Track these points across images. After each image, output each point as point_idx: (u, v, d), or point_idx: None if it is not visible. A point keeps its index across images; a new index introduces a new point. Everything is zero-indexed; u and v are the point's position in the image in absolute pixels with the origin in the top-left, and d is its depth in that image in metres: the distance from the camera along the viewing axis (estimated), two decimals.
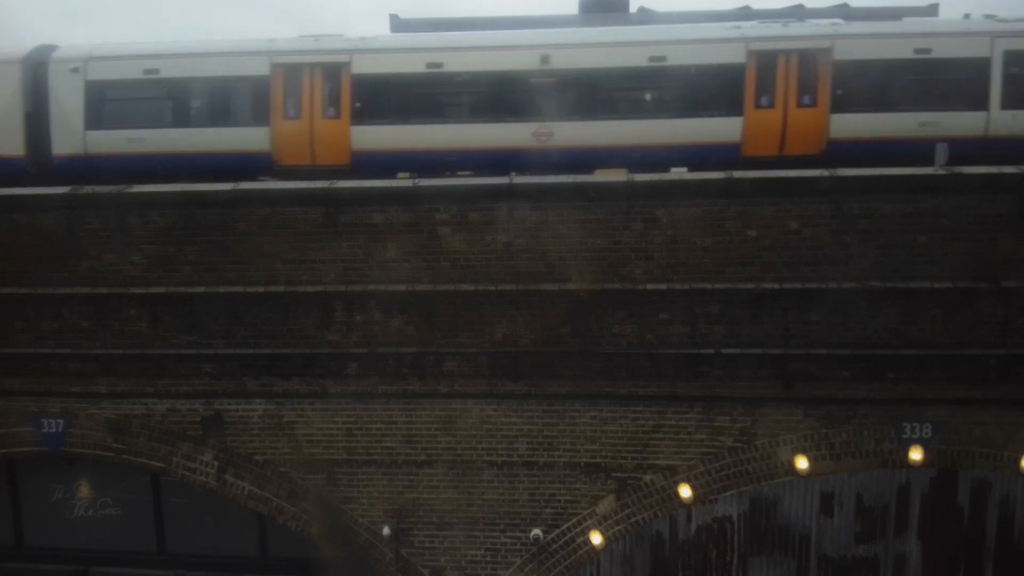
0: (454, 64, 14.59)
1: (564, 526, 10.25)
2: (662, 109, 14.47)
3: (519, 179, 10.11)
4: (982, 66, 13.87)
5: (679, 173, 9.97)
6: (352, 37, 15.29)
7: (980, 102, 13.88)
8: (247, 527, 11.56)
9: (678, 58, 14.25)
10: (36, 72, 14.95)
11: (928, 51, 13.97)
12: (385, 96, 14.71)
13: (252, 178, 12.19)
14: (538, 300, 9.87)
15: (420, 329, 10.10)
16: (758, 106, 14.18)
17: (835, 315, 9.50)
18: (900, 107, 13.93)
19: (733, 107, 14.19)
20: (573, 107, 14.39)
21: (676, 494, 10.00)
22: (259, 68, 14.74)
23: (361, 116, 14.63)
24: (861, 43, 14.13)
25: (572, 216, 9.74)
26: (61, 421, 10.77)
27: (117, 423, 10.71)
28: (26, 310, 10.62)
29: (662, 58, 14.27)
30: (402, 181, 10.42)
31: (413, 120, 14.56)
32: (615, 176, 9.97)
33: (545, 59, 14.40)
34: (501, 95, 14.55)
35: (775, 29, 14.52)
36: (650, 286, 9.70)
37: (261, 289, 10.21)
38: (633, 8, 17.58)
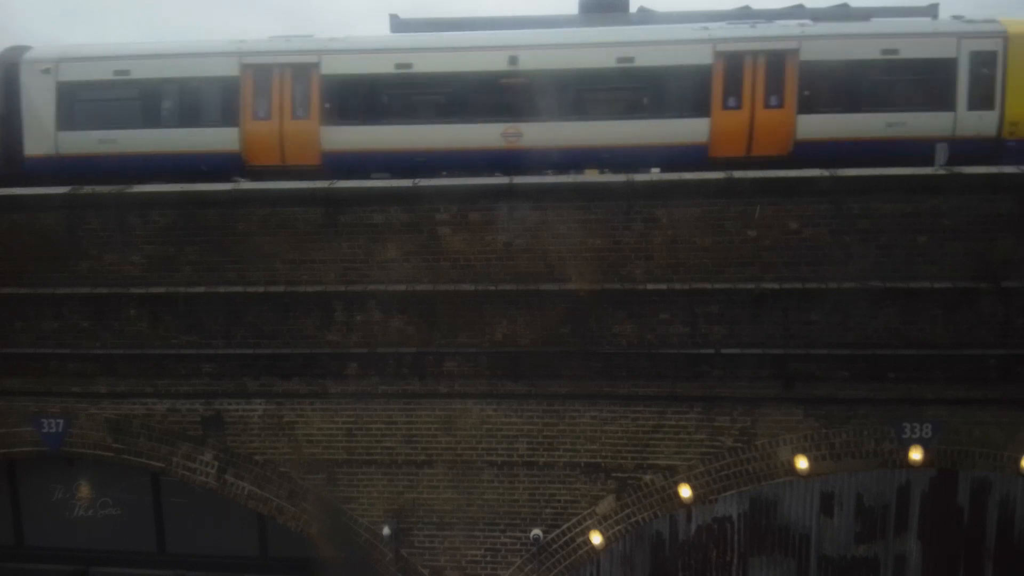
0: (423, 65, 14.67)
1: (564, 526, 10.25)
2: (630, 110, 14.55)
3: (519, 179, 10.11)
4: (949, 67, 13.92)
5: (679, 173, 9.95)
6: (322, 38, 15.39)
7: (947, 103, 13.93)
8: (247, 527, 11.56)
9: (645, 59, 14.31)
10: (8, 73, 15.02)
11: (895, 52, 14.02)
12: (354, 97, 14.81)
13: (223, 179, 12.21)
14: (538, 300, 9.87)
15: (420, 329, 10.10)
16: (725, 107, 14.22)
17: (835, 315, 9.50)
18: (867, 108, 13.99)
19: (700, 108, 14.25)
20: (541, 108, 14.45)
21: (676, 494, 10.00)
22: (229, 69, 14.83)
23: (331, 117, 14.71)
24: (828, 44, 14.16)
25: (572, 216, 9.74)
26: (61, 421, 10.77)
27: (117, 423, 10.71)
28: (26, 310, 10.62)
29: (630, 59, 14.32)
30: (402, 181, 10.41)
31: (383, 121, 14.66)
32: (615, 176, 9.97)
33: (513, 60, 14.46)
34: (470, 96, 14.63)
35: (742, 30, 14.57)
36: (650, 286, 9.70)
37: (261, 289, 10.21)
38: (633, 8, 17.57)
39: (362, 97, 14.81)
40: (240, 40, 15.32)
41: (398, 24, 17.16)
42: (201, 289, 10.31)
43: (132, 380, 10.59)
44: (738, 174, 9.68)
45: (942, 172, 9.57)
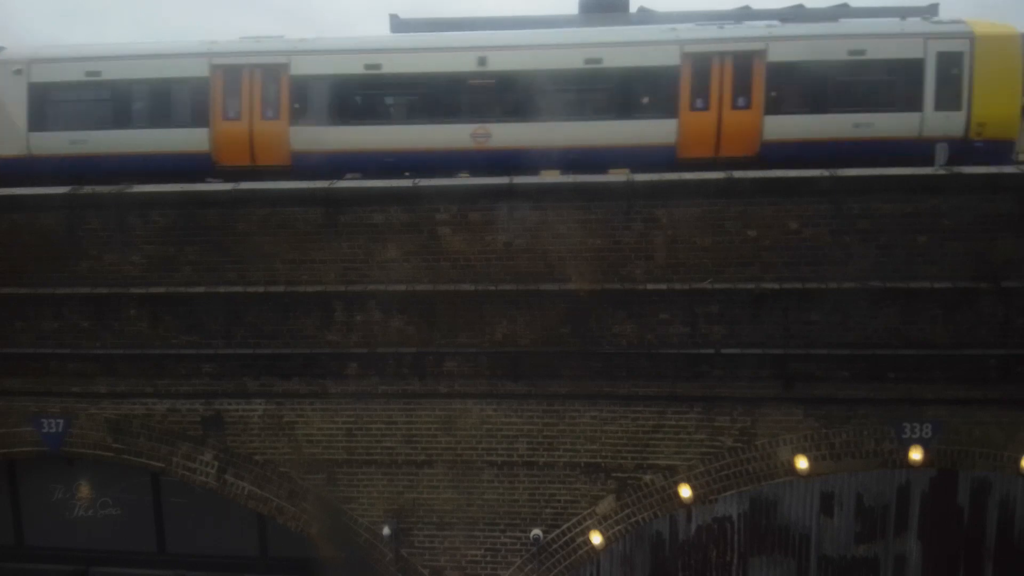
0: (392, 66, 14.75)
1: (564, 526, 10.25)
2: (598, 111, 14.63)
3: (519, 179, 10.12)
4: (916, 68, 13.97)
5: (679, 173, 9.96)
6: (292, 39, 15.48)
7: (914, 104, 13.96)
8: (247, 527, 11.56)
9: (613, 60, 14.37)
10: None
11: (862, 52, 14.07)
12: (324, 97, 14.91)
13: (193, 179, 12.24)
14: (538, 300, 9.87)
15: (420, 329, 10.10)
16: (693, 108, 14.28)
17: (835, 315, 9.50)
18: (834, 108, 14.03)
19: (668, 109, 14.30)
20: (511, 108, 14.56)
21: (676, 494, 10.00)
22: (199, 70, 14.92)
23: (300, 117, 14.79)
24: (795, 45, 14.20)
25: (572, 216, 9.74)
26: (61, 421, 10.77)
27: (117, 423, 10.71)
28: (26, 310, 10.62)
29: (598, 60, 14.38)
30: (402, 181, 10.42)
31: (352, 121, 14.74)
32: (615, 176, 9.97)
33: (482, 61, 14.52)
34: (439, 96, 14.71)
35: (710, 32, 14.63)
36: (650, 286, 9.70)
37: (261, 289, 10.21)
38: (633, 8, 17.58)
39: (331, 98, 14.92)
40: (211, 41, 15.44)
41: (398, 24, 17.18)
42: (201, 289, 10.31)
43: (132, 380, 10.59)
44: (738, 174, 9.68)
45: (942, 172, 9.58)
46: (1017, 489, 9.87)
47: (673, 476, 10.00)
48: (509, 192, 9.87)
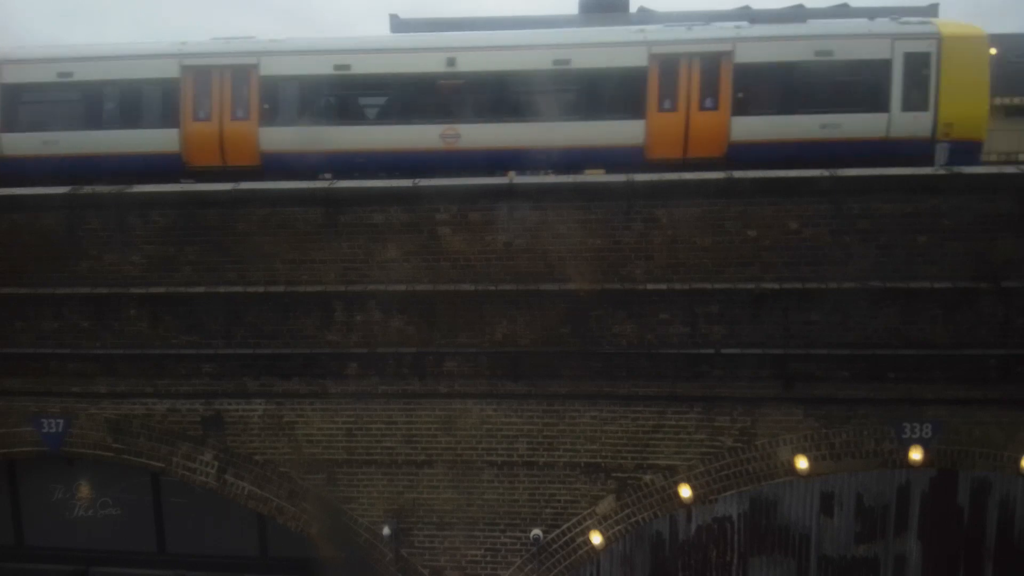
0: (361, 66, 14.77)
1: (564, 526, 10.24)
2: (567, 112, 14.59)
3: (519, 179, 10.12)
4: (883, 68, 13.96)
5: (679, 173, 9.96)
6: (263, 39, 15.49)
7: (881, 104, 13.96)
8: (247, 527, 11.56)
9: (581, 61, 14.40)
10: None
11: (829, 53, 14.06)
12: (293, 98, 14.98)
13: (164, 180, 12.31)
14: (538, 300, 9.86)
15: (420, 329, 10.09)
16: (661, 109, 14.30)
17: (835, 315, 9.50)
18: (801, 109, 14.04)
19: (636, 110, 14.31)
20: (479, 109, 14.58)
21: (676, 494, 10.00)
22: (170, 71, 14.97)
23: (269, 118, 14.83)
24: (762, 46, 14.23)
25: (572, 216, 9.74)
26: (61, 421, 10.77)
27: (117, 423, 10.71)
28: (26, 310, 10.61)
29: (566, 61, 14.40)
30: (402, 181, 10.41)
31: (321, 121, 14.74)
32: (615, 176, 9.97)
33: (451, 62, 14.55)
34: (408, 97, 14.75)
35: (678, 33, 14.64)
36: (650, 286, 9.70)
37: (261, 289, 10.21)
38: (633, 8, 17.59)
39: (301, 98, 14.99)
40: (182, 42, 15.51)
41: (398, 24, 17.19)
42: (201, 289, 10.30)
43: (132, 380, 10.59)
44: (738, 174, 9.68)
45: (942, 172, 9.57)
46: (1017, 489, 9.87)
47: (673, 476, 10.00)
48: (509, 192, 9.87)
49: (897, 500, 10.06)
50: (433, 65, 14.62)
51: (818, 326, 9.55)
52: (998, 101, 37.61)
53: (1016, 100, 37.61)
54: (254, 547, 11.70)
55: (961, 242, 9.26)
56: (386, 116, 14.95)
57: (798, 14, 15.62)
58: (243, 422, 10.54)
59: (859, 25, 14.77)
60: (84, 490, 11.87)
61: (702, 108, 14.20)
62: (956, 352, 9.38)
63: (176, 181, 13.74)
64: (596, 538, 10.16)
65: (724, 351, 9.68)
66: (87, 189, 10.60)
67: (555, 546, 10.28)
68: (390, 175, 12.67)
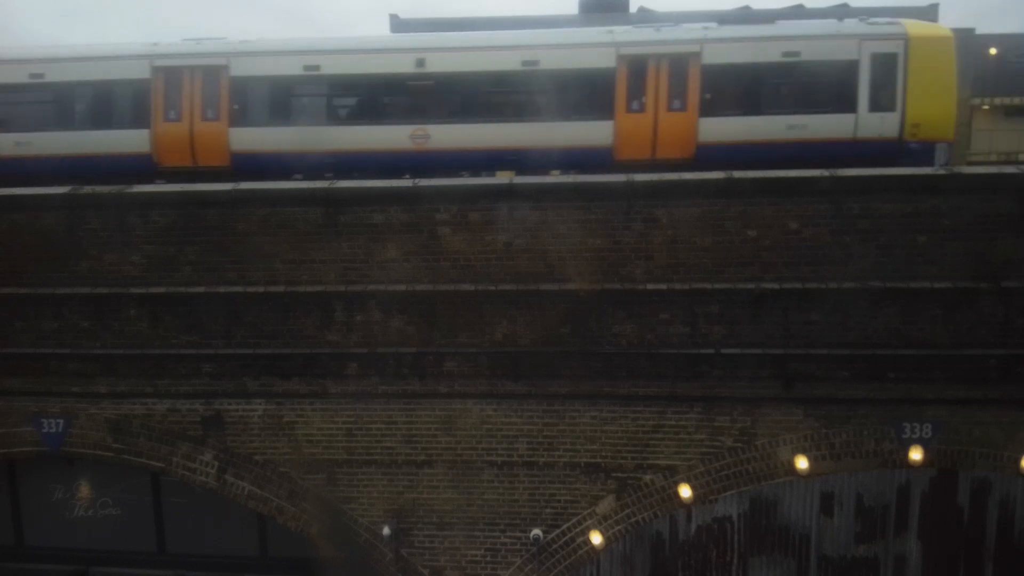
0: (330, 67, 14.83)
1: (564, 526, 10.24)
2: (536, 112, 14.62)
3: (519, 179, 10.12)
4: (850, 69, 13.98)
5: (679, 173, 9.95)
6: (233, 40, 15.57)
7: (848, 105, 13.98)
8: (247, 527, 11.56)
9: (550, 62, 14.42)
10: None
11: (796, 54, 14.09)
12: (263, 98, 15.06)
13: (136, 180, 12.35)
14: (538, 300, 9.86)
15: (420, 329, 10.09)
16: (629, 110, 14.33)
17: (835, 315, 9.50)
18: (768, 110, 14.09)
19: (604, 111, 14.33)
20: (449, 110, 14.66)
21: (676, 494, 10.00)
22: (140, 72, 15.05)
23: (240, 118, 14.90)
24: (729, 47, 14.26)
25: (572, 216, 9.74)
26: (61, 421, 10.77)
27: (117, 423, 10.71)
28: (26, 310, 10.61)
29: (535, 62, 14.43)
30: (402, 181, 10.42)
31: (291, 122, 14.85)
32: (615, 176, 9.97)
33: (420, 62, 14.60)
34: (377, 98, 14.84)
35: (647, 34, 14.68)
36: (650, 286, 9.70)
37: (261, 289, 10.21)
38: (634, 8, 17.62)
39: (270, 99, 15.07)
40: (153, 43, 15.61)
41: (398, 24, 17.23)
42: (201, 289, 10.30)
43: (132, 380, 10.59)
44: (738, 174, 9.68)
45: (942, 172, 9.57)
46: (1017, 489, 9.87)
47: (673, 476, 10.00)
48: (509, 192, 9.87)
49: (897, 500, 10.07)
50: (402, 66, 14.70)
51: (818, 326, 9.55)
52: (998, 101, 37.65)
53: (1016, 100, 37.57)
54: (254, 547, 11.70)
55: (961, 242, 9.26)
56: (356, 116, 15.02)
57: (797, 13, 15.65)
58: (243, 422, 10.54)
59: (827, 26, 14.83)
60: (84, 490, 11.87)
61: (670, 109, 14.25)
62: (956, 352, 9.38)
63: (149, 182, 13.80)
64: (596, 538, 10.16)
65: (724, 351, 9.68)
66: (87, 189, 10.60)
67: (555, 546, 10.28)
68: (361, 175, 12.68)
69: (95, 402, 10.70)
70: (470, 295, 9.93)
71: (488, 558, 10.40)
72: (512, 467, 10.23)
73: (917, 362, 9.47)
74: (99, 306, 10.50)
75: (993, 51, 37.47)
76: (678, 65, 14.14)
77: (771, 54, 14.07)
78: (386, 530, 10.32)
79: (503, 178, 10.21)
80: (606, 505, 10.16)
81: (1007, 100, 37.43)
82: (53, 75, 15.18)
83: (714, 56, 14.12)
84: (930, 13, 16.32)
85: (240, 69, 14.86)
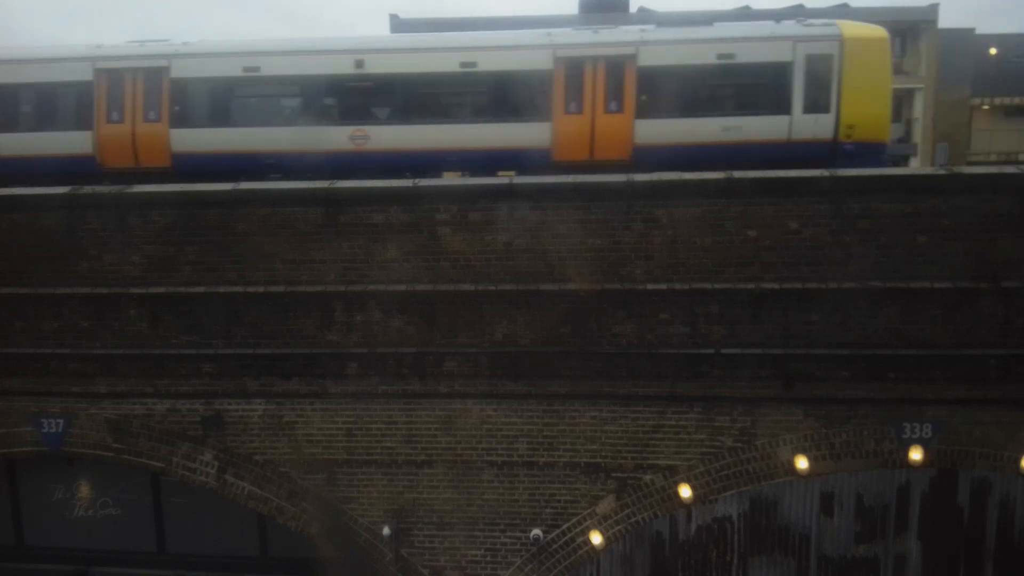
0: (270, 68, 14.91)
1: (564, 526, 10.25)
2: (475, 114, 14.73)
3: (519, 179, 10.12)
4: (784, 71, 13.99)
5: (679, 173, 9.95)
6: (176, 42, 15.64)
7: (783, 107, 13.99)
8: (247, 527, 11.56)
9: (488, 64, 14.48)
10: None
11: (731, 56, 14.11)
12: (203, 99, 15.13)
13: (80, 182, 12.37)
14: (538, 300, 9.86)
15: (420, 329, 10.09)
16: (567, 112, 14.35)
17: (835, 315, 9.50)
18: (703, 112, 14.11)
19: (542, 113, 14.36)
20: (388, 111, 14.73)
21: (676, 494, 10.00)
22: (83, 74, 15.12)
23: (181, 119, 14.98)
24: (664, 49, 14.28)
25: (572, 216, 9.74)
26: (61, 421, 10.77)
27: (117, 423, 10.71)
28: (26, 310, 10.61)
29: (473, 64, 14.49)
30: (402, 181, 10.41)
31: (231, 123, 14.94)
32: (615, 176, 9.97)
33: (359, 64, 14.66)
34: (317, 99, 14.90)
35: (584, 36, 14.73)
36: (650, 286, 9.70)
37: (261, 289, 10.21)
38: (634, 8, 17.64)
39: (211, 100, 15.14)
40: (96, 45, 15.73)
41: (398, 24, 17.26)
42: (201, 289, 10.30)
43: (132, 380, 10.59)
44: (738, 174, 9.68)
45: (942, 172, 9.57)
46: (1017, 489, 9.87)
47: (673, 476, 10.00)
48: (509, 192, 9.87)
49: (897, 500, 10.07)
50: (341, 67, 14.77)
51: (818, 326, 9.55)
52: (998, 101, 37.67)
53: (1016, 100, 37.59)
54: (254, 547, 11.69)
55: (961, 242, 9.26)
56: (295, 117, 15.09)
57: (797, 12, 15.68)
58: (243, 422, 10.54)
59: (763, 28, 14.88)
60: (84, 490, 11.87)
61: (607, 111, 14.28)
62: (956, 352, 9.38)
63: (96, 183, 13.84)
64: (596, 538, 10.16)
65: (724, 351, 9.68)
66: (87, 189, 10.61)
67: (555, 546, 10.28)
68: (301, 176, 12.71)
69: (95, 402, 10.70)
70: (470, 295, 9.93)
71: (488, 558, 10.40)
72: (512, 467, 10.23)
73: (917, 362, 9.47)
74: (99, 306, 10.50)
75: (993, 51, 37.51)
76: (614, 67, 14.20)
77: (706, 56, 14.11)
78: (386, 530, 10.32)
79: (503, 178, 10.20)
80: (606, 505, 10.16)
81: (1007, 100, 37.48)
82: None
83: (649, 58, 14.16)
84: (930, 14, 16.34)
85: (180, 71, 14.98)
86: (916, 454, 9.55)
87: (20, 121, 15.37)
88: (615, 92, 14.17)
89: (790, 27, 14.55)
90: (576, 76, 14.24)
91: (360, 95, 14.84)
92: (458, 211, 9.90)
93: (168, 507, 11.76)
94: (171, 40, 15.84)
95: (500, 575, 10.40)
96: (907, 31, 35.21)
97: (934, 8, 33.97)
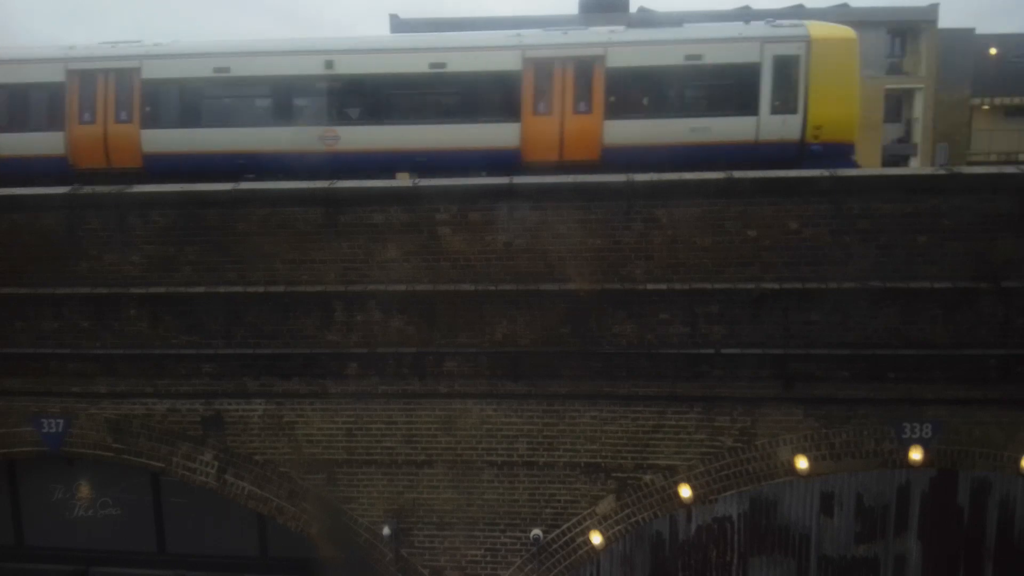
0: (240, 69, 14.96)
1: (564, 526, 10.25)
2: (444, 115, 14.77)
3: (519, 179, 10.12)
4: (751, 72, 14.01)
5: (679, 173, 9.95)
6: (147, 43, 15.70)
7: (750, 108, 14.01)
8: (247, 527, 11.56)
9: (457, 65, 14.53)
10: None
11: (699, 57, 14.12)
12: (174, 100, 15.20)
13: (52, 183, 12.35)
14: (538, 300, 9.86)
15: (420, 329, 10.09)
16: (536, 113, 14.37)
17: (835, 315, 9.50)
18: (671, 113, 14.12)
19: (511, 113, 14.39)
20: (358, 112, 14.76)
21: (676, 494, 10.00)
22: (55, 75, 15.16)
23: (151, 120, 15.03)
24: (632, 51, 14.31)
25: (572, 216, 9.74)
26: (61, 421, 10.77)
27: (117, 423, 10.71)
28: (26, 310, 10.61)
29: (442, 64, 14.54)
30: (402, 181, 10.43)
31: (201, 123, 14.97)
32: (615, 176, 9.97)
33: (329, 64, 14.70)
34: (287, 99, 14.93)
35: (553, 37, 14.76)
36: (650, 286, 9.70)
37: (261, 289, 10.21)
38: (634, 8, 17.65)
39: (181, 100, 15.21)
40: (69, 46, 15.78)
41: (398, 24, 17.26)
42: (201, 289, 10.30)
43: (132, 380, 10.59)
44: (738, 174, 9.68)
45: (942, 172, 9.58)
46: (1017, 489, 9.87)
47: (673, 476, 10.00)
48: (509, 192, 9.87)
49: (897, 500, 10.07)
50: (311, 68, 14.82)
51: (818, 326, 9.55)
52: (998, 101, 37.67)
53: (1016, 100, 37.58)
54: (254, 547, 11.70)
55: (961, 242, 9.26)
56: (266, 118, 15.10)
57: (796, 12, 15.68)
58: (243, 422, 10.54)
59: (731, 29, 14.91)
60: (84, 490, 11.87)
61: (576, 112, 14.31)
62: (956, 352, 9.38)
63: (67, 183, 13.87)
64: (596, 538, 10.16)
65: (724, 351, 9.68)
66: (87, 189, 10.61)
67: (555, 546, 10.28)
68: (272, 176, 12.72)
69: (95, 402, 10.70)
70: (470, 295, 9.93)
71: (488, 558, 10.40)
72: (512, 467, 10.23)
73: (917, 362, 9.47)
74: (99, 306, 10.50)
75: (993, 51, 37.51)
76: (583, 68, 14.23)
77: (674, 57, 14.12)
78: (386, 530, 10.32)
79: (503, 178, 10.19)
80: (606, 505, 10.16)
81: (1007, 100, 37.47)
82: None
83: (618, 59, 14.18)
84: (930, 14, 16.33)
85: (152, 72, 15.01)
86: (916, 454, 9.55)
87: None
88: (584, 93, 14.22)
89: (758, 28, 14.59)
90: (545, 77, 14.28)
91: (330, 96, 14.93)
92: (458, 211, 9.90)
93: (168, 507, 11.76)
94: (143, 41, 15.93)
95: (500, 575, 10.40)
96: (907, 31, 35.22)
97: (934, 8, 33.97)
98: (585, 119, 14.22)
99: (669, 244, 9.66)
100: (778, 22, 14.74)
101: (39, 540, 12.08)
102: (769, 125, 13.97)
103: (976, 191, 9.24)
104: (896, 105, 35.60)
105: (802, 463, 9.72)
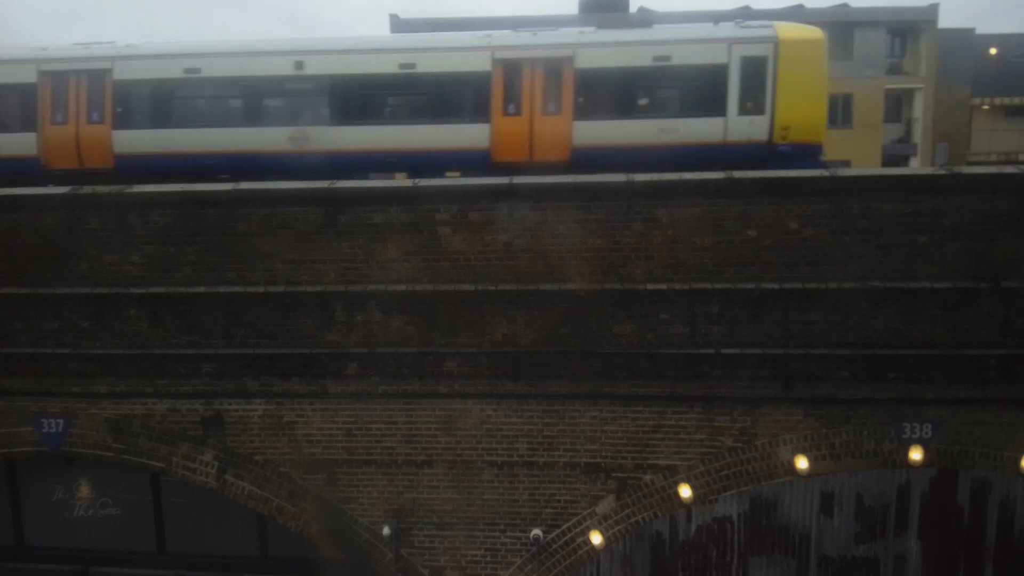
0: (210, 70, 14.97)
1: (564, 526, 10.25)
2: (414, 115, 14.83)
3: (519, 179, 10.12)
4: (719, 73, 14.03)
5: (679, 173, 9.95)
6: (120, 44, 15.73)
7: (718, 109, 14.02)
8: (247, 527, 11.56)
9: (426, 65, 14.54)
10: None
11: (667, 58, 14.12)
12: (145, 101, 15.22)
13: (23, 184, 12.30)
14: (538, 300, 9.86)
15: (420, 329, 10.10)
16: (506, 113, 14.36)
17: (835, 315, 9.50)
18: (640, 114, 14.17)
19: (481, 114, 14.39)
20: (328, 112, 14.78)
21: (676, 494, 10.00)
22: (28, 76, 15.21)
23: (123, 120, 15.05)
24: (601, 52, 14.35)
25: (572, 216, 9.74)
26: (61, 421, 10.77)
27: (117, 423, 10.71)
28: (26, 310, 10.61)
29: (411, 65, 14.54)
30: (402, 181, 10.42)
31: (172, 124, 15.00)
32: (615, 176, 9.97)
33: (299, 65, 14.73)
34: (256, 99, 14.96)
35: (523, 38, 14.77)
36: (650, 286, 9.70)
37: (261, 289, 10.21)
38: (634, 8, 17.66)
39: (152, 101, 15.24)
40: (41, 47, 15.86)
41: (398, 24, 17.27)
42: (201, 289, 10.30)
43: (132, 380, 10.59)
44: (738, 174, 9.68)
45: (942, 172, 9.58)
46: (1017, 489, 9.87)
47: (673, 476, 10.00)
48: (509, 192, 9.87)
49: (897, 500, 10.07)
50: (281, 68, 14.83)
51: (818, 326, 9.55)
52: (998, 101, 37.67)
53: (1016, 100, 37.57)
54: (254, 547, 11.70)
55: (961, 242, 9.26)
56: (236, 118, 15.12)
57: (795, 13, 15.68)
58: (243, 422, 10.54)
59: (700, 30, 14.97)
60: (84, 490, 11.87)
61: (545, 113, 14.32)
62: (956, 352, 9.38)
63: (40, 184, 13.86)
64: (596, 538, 10.16)
65: (724, 351, 9.68)
66: (87, 189, 10.61)
67: (555, 546, 10.28)
68: (244, 177, 12.73)
69: (95, 402, 10.70)
70: (470, 295, 9.93)
71: (488, 558, 10.41)
72: (512, 467, 10.23)
73: (917, 362, 9.47)
74: (99, 306, 10.50)
75: (993, 51, 37.50)
76: (552, 69, 14.24)
77: (642, 58, 14.12)
78: (386, 530, 10.33)
79: (503, 178, 10.19)
80: (606, 505, 10.16)
81: (1007, 100, 37.47)
82: None
83: (586, 60, 14.19)
84: (930, 14, 16.34)
85: (123, 73, 15.03)
86: (916, 454, 9.55)
87: None
88: (553, 94, 14.23)
89: (726, 29, 14.61)
90: (515, 78, 14.29)
91: (300, 96, 15.01)
92: (458, 211, 9.90)
93: (168, 507, 11.76)
94: (116, 42, 15.96)
95: (500, 575, 10.40)
96: (907, 31, 35.24)
97: (934, 8, 33.97)
98: (555, 120, 14.23)
99: (669, 244, 9.66)
100: (747, 23, 14.75)
101: (39, 540, 12.08)
102: (737, 126, 13.98)
103: (976, 191, 9.24)
104: (896, 105, 35.63)
105: (802, 463, 9.72)
